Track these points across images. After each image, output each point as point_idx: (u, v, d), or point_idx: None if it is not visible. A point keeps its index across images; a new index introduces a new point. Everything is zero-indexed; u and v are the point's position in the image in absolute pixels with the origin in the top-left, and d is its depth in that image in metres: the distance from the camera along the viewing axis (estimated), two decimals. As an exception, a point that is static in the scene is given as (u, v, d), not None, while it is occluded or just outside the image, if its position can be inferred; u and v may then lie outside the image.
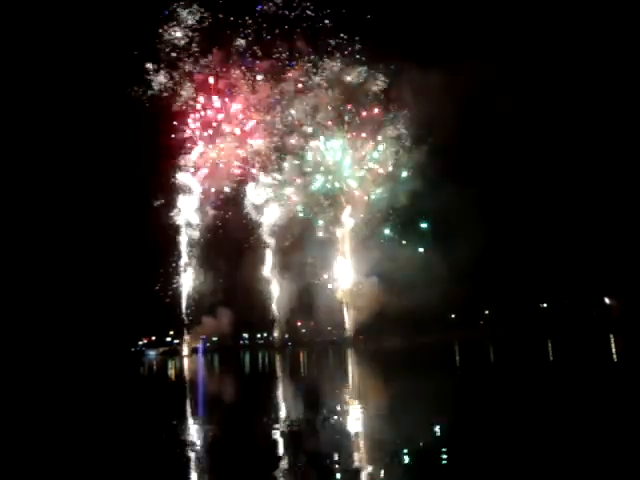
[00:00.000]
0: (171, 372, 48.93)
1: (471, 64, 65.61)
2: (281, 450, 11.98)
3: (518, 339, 60.15)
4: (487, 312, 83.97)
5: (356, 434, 13.41)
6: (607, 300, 77.25)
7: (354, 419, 15.44)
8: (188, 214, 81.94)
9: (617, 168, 70.62)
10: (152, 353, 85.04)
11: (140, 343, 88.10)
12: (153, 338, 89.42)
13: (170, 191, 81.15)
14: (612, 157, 70.78)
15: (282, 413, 17.56)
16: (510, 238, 72.13)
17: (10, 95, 71.24)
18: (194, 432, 15.07)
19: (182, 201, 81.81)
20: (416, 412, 16.02)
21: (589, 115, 70.53)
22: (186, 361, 68.59)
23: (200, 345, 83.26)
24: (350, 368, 40.24)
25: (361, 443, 12.46)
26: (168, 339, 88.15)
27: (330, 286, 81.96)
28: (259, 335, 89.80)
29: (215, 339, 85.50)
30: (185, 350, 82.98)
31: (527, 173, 74.01)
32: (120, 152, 72.89)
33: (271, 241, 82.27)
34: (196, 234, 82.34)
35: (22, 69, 72.72)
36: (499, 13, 71.03)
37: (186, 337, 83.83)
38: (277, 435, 13.49)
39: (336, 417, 16.18)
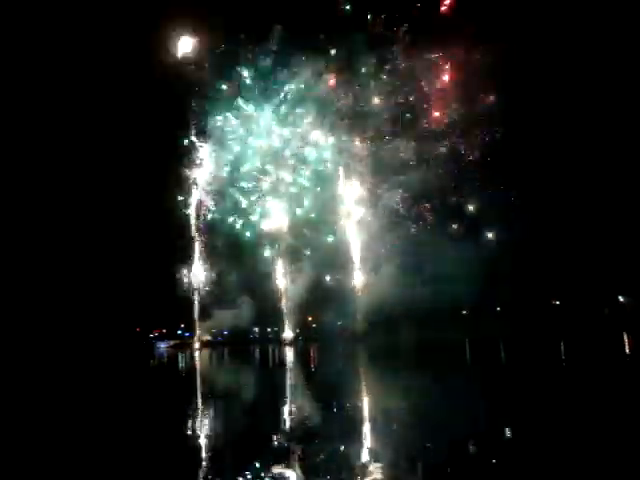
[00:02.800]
0: (182, 365, 49.18)
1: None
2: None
3: (529, 336, 59.83)
4: (499, 309, 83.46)
5: (365, 429, 13.34)
6: (621, 298, 76.55)
7: (364, 415, 15.36)
8: (203, 207, 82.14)
9: (632, 165, 69.83)
10: (163, 345, 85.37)
11: (151, 335, 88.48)
12: (164, 330, 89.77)
13: (186, 183, 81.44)
14: (627, 154, 69.99)
15: (292, 407, 17.55)
16: (522, 235, 71.56)
17: (24, 93, 71.56)
18: (206, 425, 15.09)
19: (197, 194, 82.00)
20: (423, 410, 15.91)
21: (594, 113, 69.95)
22: (197, 354, 68.93)
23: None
24: (360, 363, 40.23)
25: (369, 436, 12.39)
26: (179, 332, 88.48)
27: (342, 280, 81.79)
28: (269, 330, 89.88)
29: (226, 333, 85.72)
30: (196, 343, 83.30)
31: (539, 170, 73.42)
32: (139, 143, 72.92)
33: (283, 235, 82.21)
34: (210, 228, 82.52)
35: (34, 66, 72.70)
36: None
37: (197, 330, 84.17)
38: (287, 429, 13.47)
39: (347, 413, 16.10)
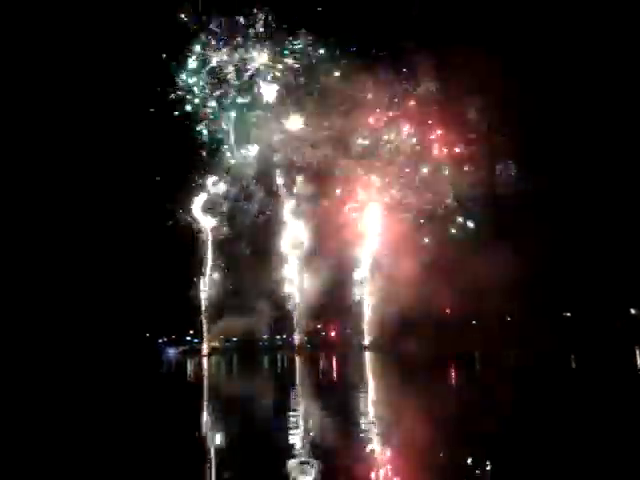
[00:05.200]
0: (190, 372, 49.26)
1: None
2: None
3: (540, 348, 59.36)
4: (509, 319, 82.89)
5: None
6: (633, 311, 75.88)
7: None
8: (212, 214, 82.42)
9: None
10: (172, 352, 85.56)
11: (160, 341, 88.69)
12: (173, 336, 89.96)
13: (195, 190, 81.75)
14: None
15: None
16: (533, 246, 71.16)
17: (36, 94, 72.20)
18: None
19: (207, 201, 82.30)
20: (427, 421, 15.80)
21: (608, 125, 69.79)
22: (205, 361, 69.06)
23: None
24: (369, 373, 40.11)
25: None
26: (188, 338, 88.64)
27: (353, 289, 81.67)
28: (278, 337, 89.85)
29: (235, 340, 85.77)
30: (205, 349, 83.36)
31: (551, 180, 73.14)
32: (151, 151, 73.35)
33: (294, 243, 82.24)
34: (219, 234, 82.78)
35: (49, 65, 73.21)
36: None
37: (206, 336, 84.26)
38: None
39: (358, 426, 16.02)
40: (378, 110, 79.37)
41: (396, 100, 78.88)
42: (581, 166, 71.74)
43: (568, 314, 79.51)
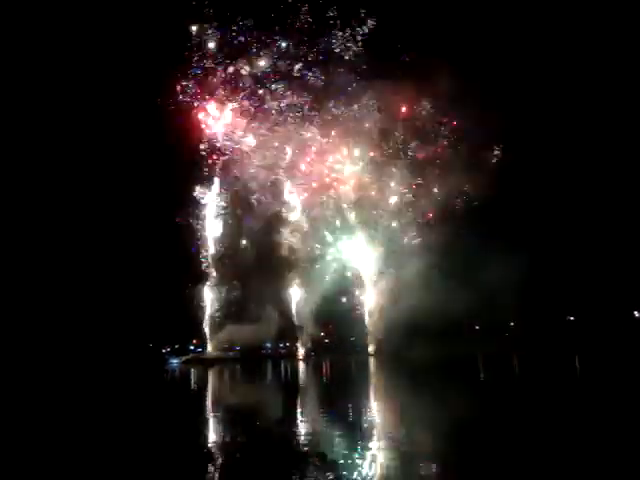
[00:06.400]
0: (194, 381, 49.17)
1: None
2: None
3: (544, 352, 59.25)
4: (512, 324, 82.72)
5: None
6: (637, 314, 75.67)
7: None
8: (213, 222, 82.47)
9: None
10: (175, 361, 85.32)
11: (163, 351, 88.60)
12: (176, 346, 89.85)
13: (197, 198, 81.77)
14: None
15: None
16: (536, 250, 71.16)
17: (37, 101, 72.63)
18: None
19: (208, 209, 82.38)
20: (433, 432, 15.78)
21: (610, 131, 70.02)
22: (209, 370, 68.85)
23: None
24: (373, 380, 40.02)
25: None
26: (191, 347, 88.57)
27: (355, 296, 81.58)
28: (282, 345, 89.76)
29: (238, 348, 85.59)
30: (208, 359, 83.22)
31: (553, 183, 73.19)
32: (150, 158, 73.37)
33: (296, 251, 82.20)
34: (221, 243, 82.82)
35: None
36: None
37: (209, 346, 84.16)
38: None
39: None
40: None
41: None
42: (583, 171, 71.86)
43: (571, 318, 79.35)
